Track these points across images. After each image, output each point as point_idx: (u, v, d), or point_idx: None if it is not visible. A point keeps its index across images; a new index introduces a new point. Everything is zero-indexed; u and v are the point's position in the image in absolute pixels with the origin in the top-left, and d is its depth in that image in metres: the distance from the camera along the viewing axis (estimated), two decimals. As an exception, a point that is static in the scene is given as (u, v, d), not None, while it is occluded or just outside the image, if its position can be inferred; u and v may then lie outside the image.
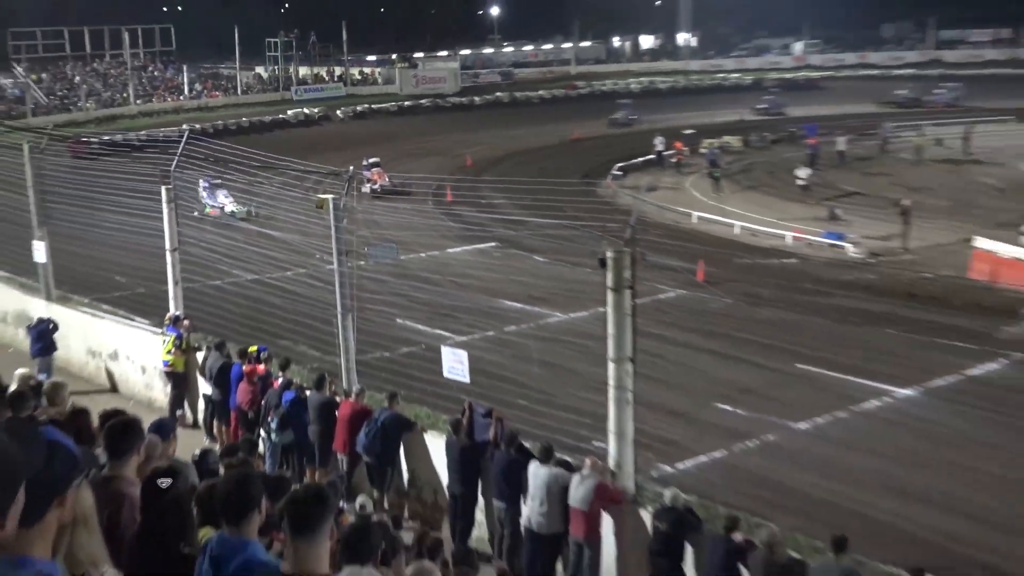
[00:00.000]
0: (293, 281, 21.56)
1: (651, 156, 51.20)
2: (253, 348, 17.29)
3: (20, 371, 12.45)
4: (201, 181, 33.44)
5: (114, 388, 20.42)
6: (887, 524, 14.78)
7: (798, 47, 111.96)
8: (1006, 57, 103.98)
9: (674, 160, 50.24)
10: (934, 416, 19.20)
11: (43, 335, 19.18)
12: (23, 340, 22.05)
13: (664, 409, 17.64)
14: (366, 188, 40.39)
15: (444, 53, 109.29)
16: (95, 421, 7.85)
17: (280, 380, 16.33)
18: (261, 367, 16.78)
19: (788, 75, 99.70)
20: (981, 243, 29.86)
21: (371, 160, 44.70)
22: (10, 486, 2.63)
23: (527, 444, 13.71)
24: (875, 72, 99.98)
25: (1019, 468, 14.75)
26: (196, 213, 29.57)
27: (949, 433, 18.36)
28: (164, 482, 5.28)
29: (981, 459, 16.94)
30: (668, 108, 74.34)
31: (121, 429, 6.24)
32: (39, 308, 21.78)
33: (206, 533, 5.69)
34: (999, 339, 23.21)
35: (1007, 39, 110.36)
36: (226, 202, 37.11)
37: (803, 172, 43.14)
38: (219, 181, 35.69)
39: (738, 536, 11.55)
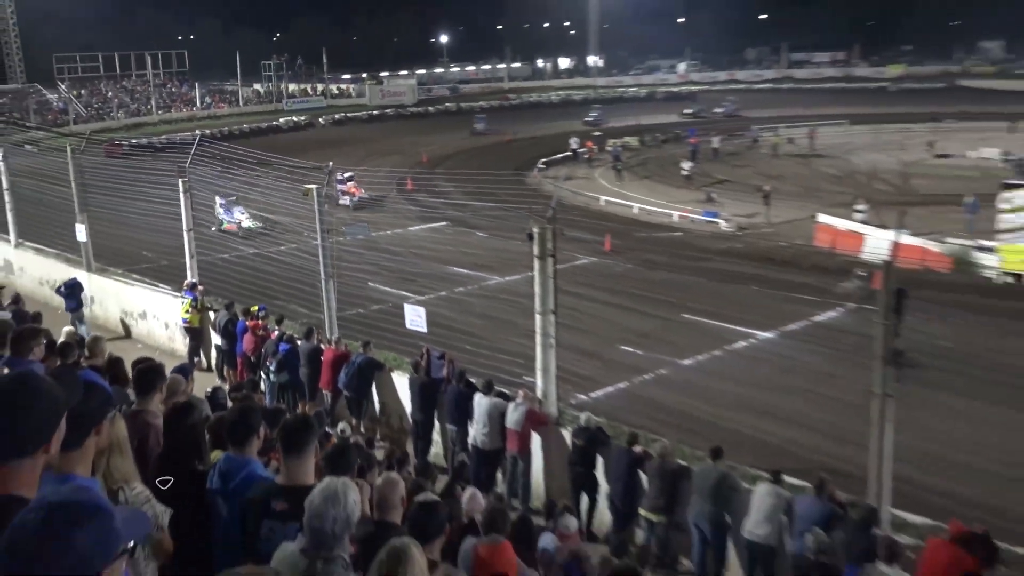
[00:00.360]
0: (285, 254, 21.34)
1: (568, 153, 51.18)
2: (255, 308, 17.17)
3: (67, 328, 12.29)
4: (217, 199, 30.70)
5: (127, 335, 20.34)
6: (752, 437, 15.00)
7: (681, 67, 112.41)
8: (842, 74, 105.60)
9: (586, 156, 50.30)
10: (788, 353, 19.50)
11: (72, 294, 18.85)
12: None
13: (579, 351, 17.67)
14: (344, 200, 35.50)
15: (404, 72, 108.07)
16: (128, 367, 7.75)
17: (276, 332, 16.25)
18: (261, 322, 16.71)
19: (674, 88, 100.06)
20: (823, 219, 30.25)
21: (346, 174, 36.94)
22: (55, 418, 2.68)
23: (473, 380, 13.77)
24: (741, 87, 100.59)
25: (852, 392, 14.96)
26: (213, 228, 27.98)
27: (799, 366, 18.66)
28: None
29: (823, 385, 17.23)
30: (525, 120, 73.85)
31: (147, 372, 6.20)
32: (81, 277, 21.43)
33: (216, 455, 5.67)
34: (837, 293, 23.59)
35: (842, 60, 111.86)
36: (242, 218, 32.68)
37: (686, 165, 43.30)
38: (234, 198, 32.36)
39: (638, 448, 11.67)
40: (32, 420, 2.60)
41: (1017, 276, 24.33)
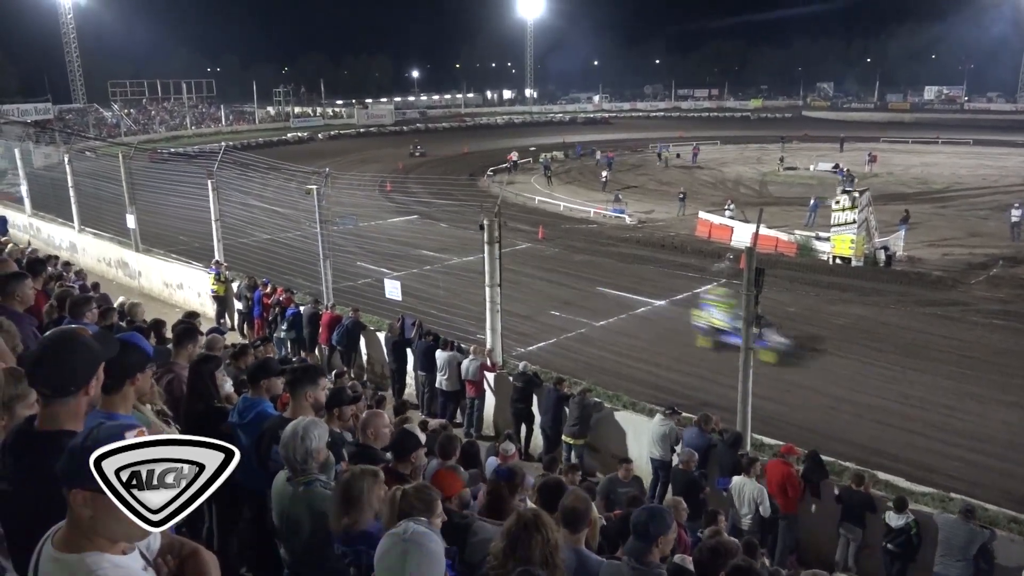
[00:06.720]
0: (292, 239, 20.92)
1: (509, 164, 50.57)
2: (261, 280, 16.96)
3: (120, 298, 11.91)
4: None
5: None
6: (650, 380, 15.14)
7: (596, 98, 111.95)
8: (715, 106, 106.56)
9: (523, 165, 49.64)
10: (675, 316, 19.56)
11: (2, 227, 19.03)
12: (120, 275, 21.18)
13: (518, 314, 17.64)
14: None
15: (384, 99, 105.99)
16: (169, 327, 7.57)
17: (284, 298, 16.07)
18: (278, 290, 16.51)
19: (591, 115, 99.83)
20: (703, 215, 30.49)
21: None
22: (92, 366, 2.66)
23: (439, 337, 13.71)
24: (640, 114, 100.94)
25: (724, 346, 15.18)
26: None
27: (684, 326, 18.70)
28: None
29: (702, 341, 17.43)
30: (477, 138, 72.33)
31: (182, 333, 6.03)
32: (131, 257, 20.90)
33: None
34: (712, 271, 23.84)
35: (715, 95, 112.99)
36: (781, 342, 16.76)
37: (604, 173, 43.01)
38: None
39: (563, 388, 11.70)
40: (73, 366, 2.58)
41: (844, 259, 24.81)
